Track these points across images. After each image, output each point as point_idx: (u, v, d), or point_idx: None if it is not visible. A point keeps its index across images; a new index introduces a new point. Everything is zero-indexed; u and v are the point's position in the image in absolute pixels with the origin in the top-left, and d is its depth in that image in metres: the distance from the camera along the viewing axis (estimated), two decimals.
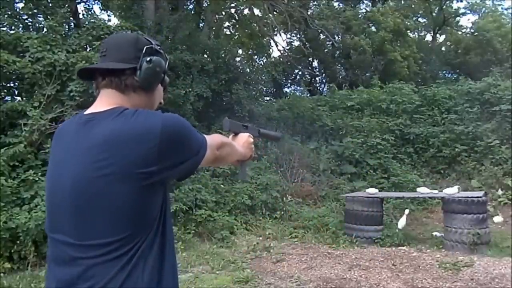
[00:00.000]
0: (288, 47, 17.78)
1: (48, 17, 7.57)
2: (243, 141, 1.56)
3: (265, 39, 16.92)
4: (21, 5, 8.01)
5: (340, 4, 18.41)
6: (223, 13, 15.00)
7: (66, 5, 8.07)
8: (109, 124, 1.08)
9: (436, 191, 6.97)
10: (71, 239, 1.08)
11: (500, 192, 8.70)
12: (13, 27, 7.35)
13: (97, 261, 1.04)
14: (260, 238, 6.77)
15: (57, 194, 1.13)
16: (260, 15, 14.84)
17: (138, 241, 1.06)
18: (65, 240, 1.09)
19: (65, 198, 1.10)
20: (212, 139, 1.26)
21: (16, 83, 6.91)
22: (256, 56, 18.60)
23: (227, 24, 16.91)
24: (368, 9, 19.12)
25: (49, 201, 1.19)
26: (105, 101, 1.17)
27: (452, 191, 6.29)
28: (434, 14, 19.99)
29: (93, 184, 1.05)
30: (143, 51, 1.19)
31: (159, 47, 1.24)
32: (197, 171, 7.80)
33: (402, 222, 6.48)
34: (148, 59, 1.18)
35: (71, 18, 8.43)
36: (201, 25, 13.27)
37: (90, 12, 10.91)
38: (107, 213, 1.05)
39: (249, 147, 1.57)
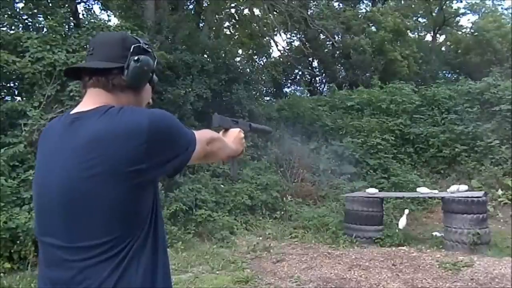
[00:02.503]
0: (288, 47, 17.76)
1: (48, 17, 7.54)
2: (234, 136, 1.51)
3: (265, 39, 16.94)
4: (21, 5, 7.98)
5: (340, 4, 18.39)
6: (223, 13, 15.01)
7: (66, 5, 8.06)
8: (95, 124, 1.06)
9: (436, 191, 6.97)
10: (61, 241, 1.06)
11: (500, 192, 8.70)
12: (13, 27, 7.34)
13: (89, 263, 1.02)
14: (260, 238, 6.77)
15: (45, 196, 1.10)
16: (260, 15, 14.85)
17: (130, 241, 1.04)
18: (56, 243, 1.07)
19: (53, 200, 1.07)
20: (202, 134, 1.24)
21: (16, 83, 6.92)
22: (256, 56, 18.61)
23: (227, 24, 16.95)
24: (368, 9, 19.08)
25: (37, 203, 1.16)
26: (92, 100, 1.14)
27: (463, 188, 6.58)
28: (434, 14, 19.95)
29: (81, 185, 1.03)
30: (131, 50, 1.16)
31: (147, 46, 1.22)
32: (196, 171, 7.85)
33: (402, 222, 6.48)
34: (135, 58, 1.15)
35: (71, 18, 8.40)
36: (201, 25, 13.26)
37: (90, 12, 10.91)
38: (97, 214, 1.03)
39: (240, 142, 1.53)
